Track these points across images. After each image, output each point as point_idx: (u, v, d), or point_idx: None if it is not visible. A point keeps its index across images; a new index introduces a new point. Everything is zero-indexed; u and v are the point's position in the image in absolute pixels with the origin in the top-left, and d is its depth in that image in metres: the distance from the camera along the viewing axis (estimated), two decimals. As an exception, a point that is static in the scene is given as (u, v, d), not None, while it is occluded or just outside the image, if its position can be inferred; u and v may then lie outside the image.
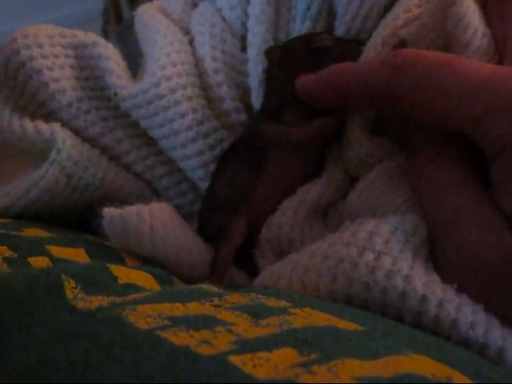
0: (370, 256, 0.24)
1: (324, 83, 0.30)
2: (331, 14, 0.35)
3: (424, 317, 0.23)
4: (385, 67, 0.27)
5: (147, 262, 0.30)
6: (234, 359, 0.17)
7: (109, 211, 0.29)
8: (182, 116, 0.34)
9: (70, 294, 0.21)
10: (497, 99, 0.24)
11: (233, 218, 0.32)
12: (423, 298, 0.23)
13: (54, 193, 0.33)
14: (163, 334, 0.19)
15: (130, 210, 0.29)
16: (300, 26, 0.34)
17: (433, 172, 0.26)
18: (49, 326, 0.19)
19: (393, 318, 0.24)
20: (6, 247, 0.26)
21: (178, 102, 0.34)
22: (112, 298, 0.22)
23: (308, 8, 0.34)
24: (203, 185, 0.35)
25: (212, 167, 0.35)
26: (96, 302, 0.21)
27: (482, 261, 0.24)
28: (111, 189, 0.35)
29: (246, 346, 0.18)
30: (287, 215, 0.31)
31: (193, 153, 0.35)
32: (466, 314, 0.23)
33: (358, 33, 0.33)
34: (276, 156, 0.32)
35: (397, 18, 0.30)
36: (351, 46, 0.32)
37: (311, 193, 0.31)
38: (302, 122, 0.32)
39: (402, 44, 0.30)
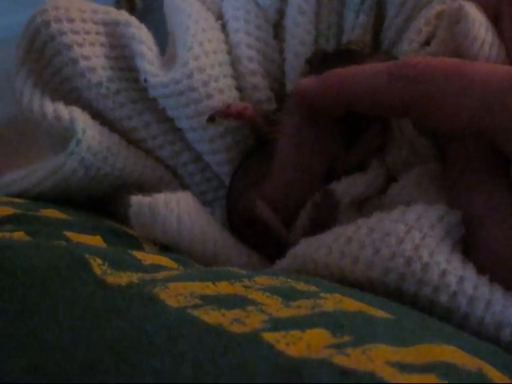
0: (416, 235, 0.26)
1: (327, 89, 0.30)
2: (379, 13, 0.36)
3: (460, 296, 0.25)
4: (395, 80, 0.28)
5: (164, 249, 0.31)
6: (267, 336, 0.18)
7: (136, 199, 0.30)
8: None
9: (97, 270, 0.22)
10: None
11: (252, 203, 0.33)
12: (461, 279, 0.25)
13: (72, 182, 0.34)
14: (195, 313, 0.19)
15: (158, 198, 0.30)
16: (354, 20, 0.35)
17: (464, 177, 0.28)
18: (79, 301, 0.20)
19: (426, 298, 0.25)
20: (22, 233, 0.26)
21: (210, 96, 0.34)
22: (141, 274, 0.22)
23: (362, 2, 0.35)
24: (228, 179, 0.36)
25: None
26: (126, 277, 0.22)
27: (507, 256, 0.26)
28: (130, 177, 0.36)
29: (279, 325, 0.19)
30: None
31: (220, 148, 0.35)
32: (498, 297, 0.25)
33: None
34: (284, 146, 0.33)
35: (411, 41, 0.32)
36: (382, 57, 0.32)
37: (355, 187, 0.32)
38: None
39: None
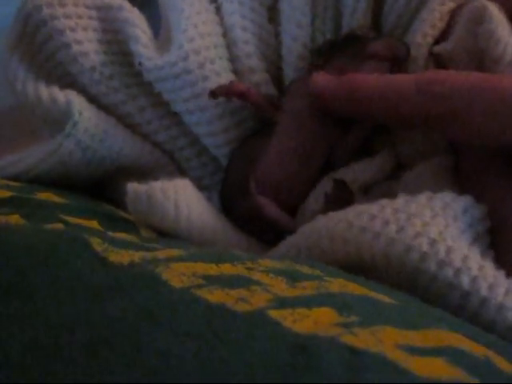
0: (441, 222, 0.26)
1: (346, 92, 0.30)
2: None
3: (481, 281, 0.25)
4: (423, 95, 0.27)
5: (162, 234, 0.31)
6: (273, 314, 0.18)
7: (133, 187, 0.30)
8: None
9: (98, 248, 0.21)
10: None
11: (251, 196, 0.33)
12: (481, 267, 0.25)
13: (69, 165, 0.33)
14: (198, 292, 0.19)
15: (155, 186, 0.30)
16: (354, 4, 0.35)
17: (485, 182, 0.28)
18: (80, 279, 0.20)
19: (445, 281, 0.25)
20: (18, 216, 0.26)
21: (206, 78, 0.34)
22: (142, 253, 0.22)
23: None
24: (227, 161, 0.36)
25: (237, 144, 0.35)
26: (127, 256, 0.21)
27: None
28: (127, 161, 0.35)
29: (285, 303, 0.19)
30: None
31: (218, 130, 0.35)
32: None
33: (404, 32, 0.34)
34: (282, 127, 0.33)
35: (426, 34, 0.32)
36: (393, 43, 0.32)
37: (364, 173, 0.33)
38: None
39: (437, 59, 0.32)
